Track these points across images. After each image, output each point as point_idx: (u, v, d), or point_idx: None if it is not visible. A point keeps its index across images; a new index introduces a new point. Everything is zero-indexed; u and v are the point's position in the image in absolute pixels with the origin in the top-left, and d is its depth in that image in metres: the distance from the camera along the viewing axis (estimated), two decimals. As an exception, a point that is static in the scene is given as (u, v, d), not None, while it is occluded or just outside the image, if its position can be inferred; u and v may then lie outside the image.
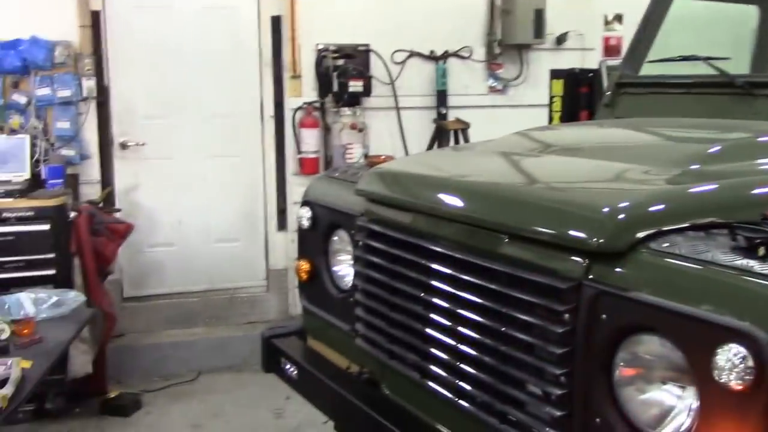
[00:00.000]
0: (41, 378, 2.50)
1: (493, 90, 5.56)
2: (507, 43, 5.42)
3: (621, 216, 1.53)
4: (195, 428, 4.06)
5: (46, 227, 3.99)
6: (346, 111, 5.15)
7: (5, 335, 2.60)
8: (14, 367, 2.30)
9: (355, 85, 5.04)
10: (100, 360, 4.26)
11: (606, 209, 1.55)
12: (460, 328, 1.81)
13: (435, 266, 1.91)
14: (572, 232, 1.55)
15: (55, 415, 3.96)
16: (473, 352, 1.77)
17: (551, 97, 4.80)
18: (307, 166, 5.12)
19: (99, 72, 4.77)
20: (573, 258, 1.54)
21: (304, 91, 5.15)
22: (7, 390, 2.19)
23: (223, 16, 5.07)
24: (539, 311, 1.59)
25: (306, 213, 2.64)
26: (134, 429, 4.07)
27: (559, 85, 4.75)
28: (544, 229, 1.63)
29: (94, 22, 4.76)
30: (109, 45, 4.86)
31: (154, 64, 4.95)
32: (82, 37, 4.69)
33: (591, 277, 1.49)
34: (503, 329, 1.67)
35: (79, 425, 4.05)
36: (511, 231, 1.72)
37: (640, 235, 1.48)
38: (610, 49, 5.61)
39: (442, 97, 5.34)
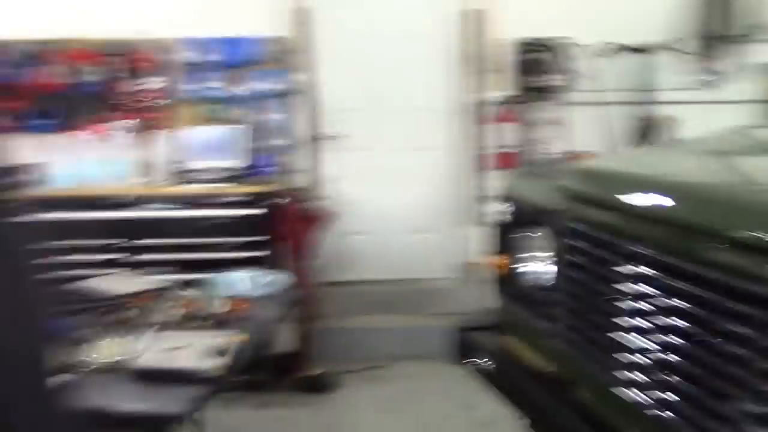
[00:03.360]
0: (254, 352, 2.71)
1: (705, 84, 5.24)
2: (721, 36, 5.08)
3: None
4: (388, 413, 4.21)
5: (260, 212, 4.31)
6: (547, 106, 5.08)
7: (225, 309, 2.84)
8: (232, 339, 2.51)
9: (556, 79, 4.95)
10: (304, 339, 4.54)
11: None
12: (667, 336, 1.75)
13: (641, 269, 1.85)
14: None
15: (263, 387, 4.28)
16: (681, 361, 1.70)
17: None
18: (505, 161, 5.11)
19: (310, 66, 5.05)
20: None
21: (504, 85, 5.14)
22: (226, 360, 2.40)
23: (427, 11, 5.18)
24: (755, 322, 1.50)
25: (505, 208, 2.64)
26: (332, 406, 4.29)
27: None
28: (763, 235, 1.53)
29: (306, 18, 5.04)
30: (319, 41, 5.13)
31: (360, 59, 5.16)
32: (294, 33, 4.99)
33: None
34: (715, 340, 1.59)
35: (283, 398, 4.34)
36: (728, 236, 1.63)
37: None
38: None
39: (649, 91, 5.11)
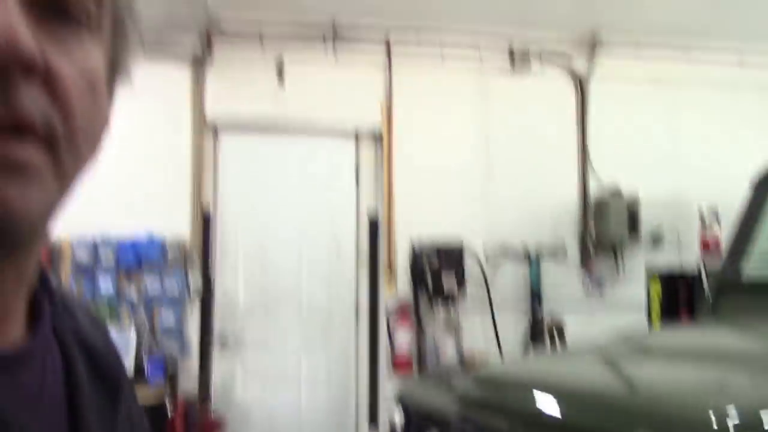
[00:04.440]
0: None
1: (588, 290, 5.49)
2: (602, 242, 5.43)
3: (732, 423, 1.45)
4: None
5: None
6: (441, 309, 5.17)
7: None
8: None
9: (450, 284, 5.09)
10: None
11: (715, 416, 1.47)
12: None
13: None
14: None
15: None
16: None
17: (649, 297, 4.71)
18: (400, 365, 5.08)
19: (205, 267, 5.02)
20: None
21: (399, 288, 5.24)
22: None
23: (323, 217, 5.33)
24: None
25: (398, 413, 2.60)
26: None
27: (657, 285, 4.67)
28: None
29: (205, 221, 5.08)
30: (218, 243, 5.15)
31: (257, 260, 5.18)
32: (192, 235, 4.99)
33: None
34: None
35: None
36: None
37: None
38: (707, 246, 5.49)
39: (536, 296, 5.30)
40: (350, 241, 5.36)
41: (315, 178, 5.34)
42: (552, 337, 5.00)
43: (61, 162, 0.50)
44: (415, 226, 5.26)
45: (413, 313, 5.18)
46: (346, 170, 5.40)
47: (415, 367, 5.07)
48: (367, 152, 5.40)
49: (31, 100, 0.47)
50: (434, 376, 2.62)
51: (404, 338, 5.10)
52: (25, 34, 0.45)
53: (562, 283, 5.43)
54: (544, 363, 2.54)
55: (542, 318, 5.19)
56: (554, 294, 5.35)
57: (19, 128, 0.47)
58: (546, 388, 2.04)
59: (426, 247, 5.20)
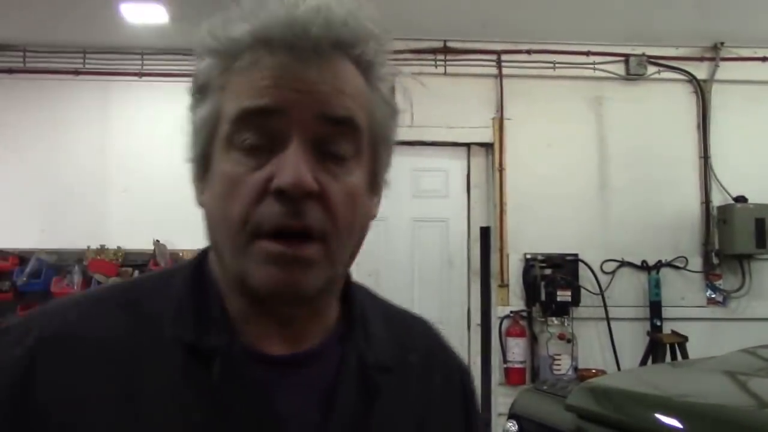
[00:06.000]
0: None
1: (712, 302, 5.27)
2: (726, 253, 5.21)
3: None
4: None
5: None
6: (554, 321, 5.08)
7: None
8: None
9: (563, 295, 5.00)
10: None
11: None
12: None
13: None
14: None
15: None
16: None
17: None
18: (513, 376, 5.03)
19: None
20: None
21: (511, 300, 5.19)
22: None
23: (434, 228, 5.36)
24: None
25: (513, 427, 2.58)
26: None
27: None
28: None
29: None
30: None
31: (370, 271, 5.26)
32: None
33: None
34: None
35: None
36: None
37: None
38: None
39: (655, 308, 5.11)
40: (462, 252, 5.36)
41: (427, 189, 5.38)
42: (673, 351, 4.81)
43: (331, 252, 0.78)
44: (528, 237, 5.21)
45: (526, 325, 5.12)
46: (457, 181, 5.41)
47: (528, 378, 5.01)
48: (479, 163, 5.39)
49: (313, 214, 0.75)
50: (549, 389, 2.59)
51: (517, 350, 5.04)
52: (307, 176, 0.74)
53: (684, 295, 5.23)
54: (662, 376, 2.46)
55: (662, 330, 5.01)
56: (675, 306, 5.16)
57: (306, 234, 0.75)
58: (664, 403, 1.98)
59: (539, 257, 5.14)
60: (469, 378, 1.10)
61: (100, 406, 0.74)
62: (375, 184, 0.86)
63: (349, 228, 0.80)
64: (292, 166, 0.74)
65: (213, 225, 0.80)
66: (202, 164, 0.82)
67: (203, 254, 0.87)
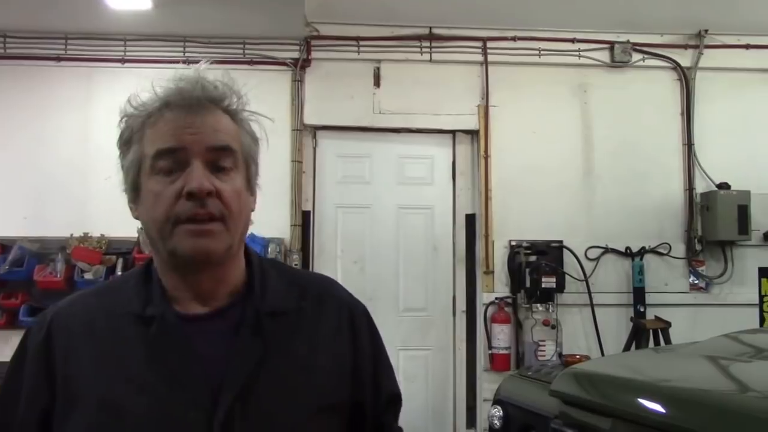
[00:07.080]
0: None
1: (694, 288, 5.32)
2: (709, 240, 5.25)
3: None
4: None
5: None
6: (539, 307, 5.11)
7: None
8: None
9: (548, 281, 5.02)
10: None
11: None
12: None
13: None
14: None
15: None
16: None
17: (761, 297, 4.52)
18: (498, 363, 5.06)
19: (304, 266, 5.13)
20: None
21: (496, 286, 5.21)
22: None
23: (420, 215, 5.37)
24: None
25: (497, 412, 2.60)
26: None
27: (769, 285, 4.47)
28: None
29: (304, 221, 5.20)
30: (316, 241, 5.26)
31: (355, 258, 5.26)
32: (292, 234, 5.12)
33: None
34: None
35: None
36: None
37: None
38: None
39: (639, 294, 5.16)
40: (447, 239, 5.37)
41: (412, 176, 5.38)
42: (656, 336, 4.85)
43: (228, 228, 1.17)
44: (513, 223, 5.23)
45: (511, 311, 5.14)
46: (443, 169, 5.41)
47: (513, 364, 5.04)
48: (464, 150, 5.40)
49: (213, 205, 1.14)
50: (533, 374, 2.60)
51: (502, 336, 5.07)
52: (206, 182, 1.14)
53: (667, 281, 5.27)
54: (645, 362, 2.48)
55: (645, 316, 5.05)
56: (658, 292, 5.20)
57: (210, 217, 1.14)
58: (648, 388, 2.00)
59: (524, 244, 5.16)
60: (360, 316, 1.38)
61: (86, 361, 1.16)
62: (250, 186, 1.24)
63: (238, 213, 1.18)
64: (196, 177, 1.13)
65: (148, 226, 1.18)
66: (134, 190, 1.20)
67: (150, 260, 1.26)
